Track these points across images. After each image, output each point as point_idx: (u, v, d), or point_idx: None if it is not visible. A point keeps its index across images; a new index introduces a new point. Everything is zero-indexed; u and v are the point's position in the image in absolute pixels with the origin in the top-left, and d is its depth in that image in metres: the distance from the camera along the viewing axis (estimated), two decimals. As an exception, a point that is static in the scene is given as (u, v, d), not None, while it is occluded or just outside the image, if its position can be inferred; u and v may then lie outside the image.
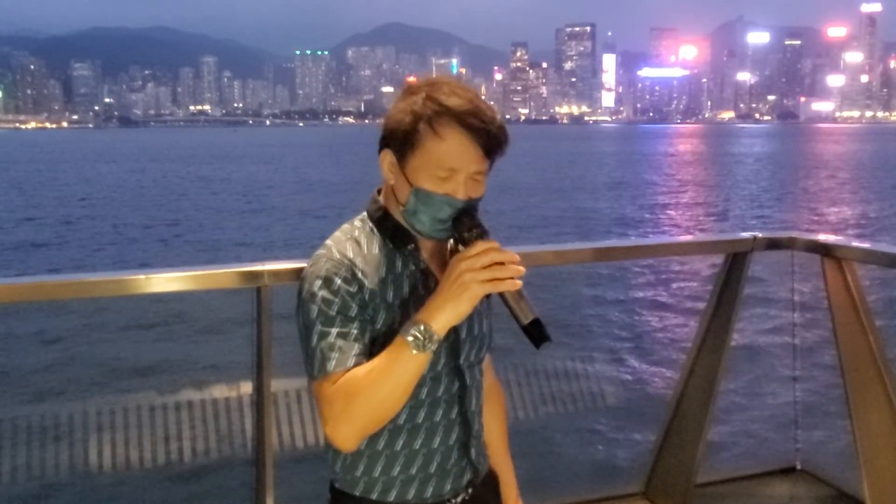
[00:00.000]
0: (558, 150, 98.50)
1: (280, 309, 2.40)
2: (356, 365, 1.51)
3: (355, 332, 1.54)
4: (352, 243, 1.61)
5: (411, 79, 1.64)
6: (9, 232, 27.08)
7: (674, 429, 3.45)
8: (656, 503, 3.48)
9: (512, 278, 1.45)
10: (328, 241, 1.63)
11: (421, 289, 1.61)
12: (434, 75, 1.62)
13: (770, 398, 7.18)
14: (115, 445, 3.29)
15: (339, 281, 1.55)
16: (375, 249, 1.62)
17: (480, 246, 1.47)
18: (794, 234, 3.29)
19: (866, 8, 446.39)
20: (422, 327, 1.45)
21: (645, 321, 13.14)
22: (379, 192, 1.68)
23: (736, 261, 3.24)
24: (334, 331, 1.52)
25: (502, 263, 1.45)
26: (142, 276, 2.35)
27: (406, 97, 1.58)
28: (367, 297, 1.57)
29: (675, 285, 15.54)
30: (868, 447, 3.20)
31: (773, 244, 3.25)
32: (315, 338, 1.53)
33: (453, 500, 1.72)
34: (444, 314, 1.45)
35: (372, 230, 1.64)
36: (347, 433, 1.50)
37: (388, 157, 1.60)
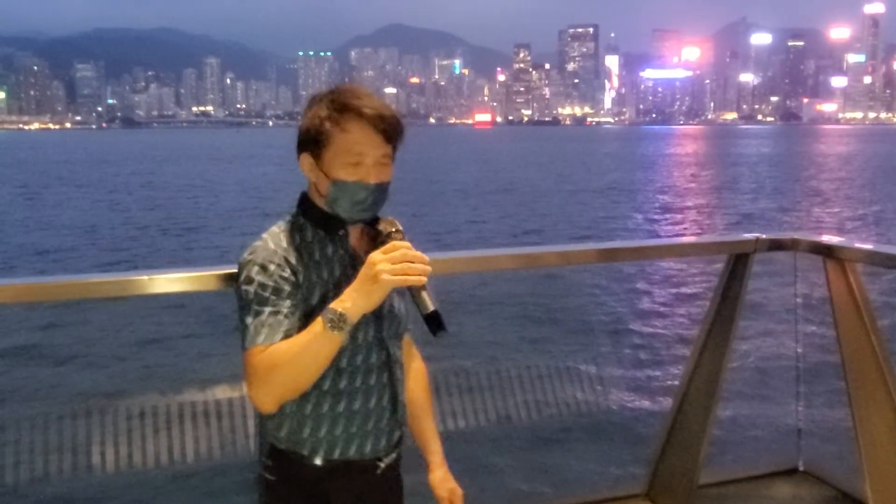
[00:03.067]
0: (563, 151, 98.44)
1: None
2: (283, 339, 1.76)
3: (285, 310, 1.78)
4: (285, 234, 1.89)
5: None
6: (11, 234, 27.11)
7: (676, 429, 3.44)
8: (658, 504, 3.47)
9: (419, 275, 1.72)
10: (264, 235, 1.89)
11: (349, 269, 1.88)
12: (350, 86, 1.90)
13: (772, 399, 7.17)
14: (116, 445, 3.29)
15: (273, 267, 1.81)
16: (309, 237, 1.90)
17: (395, 245, 1.75)
18: (797, 235, 3.28)
19: (869, 9, 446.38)
20: (338, 311, 1.71)
21: (648, 322, 13.12)
22: (304, 195, 1.96)
23: (738, 262, 3.23)
24: (267, 310, 1.78)
25: (412, 262, 1.72)
26: (143, 277, 2.35)
27: (312, 107, 1.88)
28: (300, 279, 1.83)
29: (678, 286, 15.53)
30: (871, 448, 3.19)
31: (775, 245, 3.24)
32: (251, 316, 1.78)
33: (384, 460, 1.98)
34: (358, 301, 1.73)
35: (303, 223, 1.91)
36: (265, 397, 1.77)
37: (307, 160, 1.90)
